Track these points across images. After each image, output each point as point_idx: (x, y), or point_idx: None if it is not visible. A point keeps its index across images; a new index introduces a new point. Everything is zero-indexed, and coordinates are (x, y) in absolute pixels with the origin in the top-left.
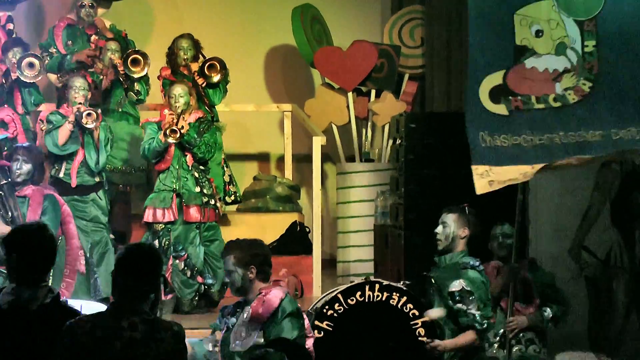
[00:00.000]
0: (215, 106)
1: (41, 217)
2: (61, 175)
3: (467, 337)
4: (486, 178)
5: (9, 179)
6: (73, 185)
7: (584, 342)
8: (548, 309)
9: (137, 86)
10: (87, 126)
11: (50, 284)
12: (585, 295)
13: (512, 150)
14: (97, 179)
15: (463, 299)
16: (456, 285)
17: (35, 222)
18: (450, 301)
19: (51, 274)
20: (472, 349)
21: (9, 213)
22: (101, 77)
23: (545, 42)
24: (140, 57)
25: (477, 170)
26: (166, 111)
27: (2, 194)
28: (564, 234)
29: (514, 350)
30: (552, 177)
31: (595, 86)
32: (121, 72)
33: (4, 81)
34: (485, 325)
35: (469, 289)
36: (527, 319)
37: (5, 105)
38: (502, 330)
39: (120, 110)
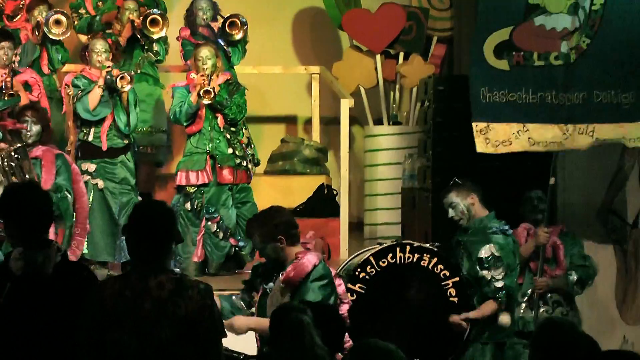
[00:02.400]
0: (234, 67)
1: (56, 177)
2: (90, 138)
3: (490, 306)
4: (485, 135)
5: (23, 142)
6: (104, 148)
7: (611, 307)
8: (574, 271)
9: (155, 46)
10: (124, 89)
11: (55, 242)
12: (613, 259)
13: (507, 107)
14: (125, 141)
15: (490, 265)
16: (486, 250)
17: (26, 181)
18: (477, 267)
19: (67, 234)
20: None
21: (27, 176)
22: (119, 38)
23: (558, 0)
24: (159, 18)
25: (477, 127)
26: (193, 75)
27: (18, 157)
28: (593, 198)
29: (541, 311)
30: None
31: (593, 43)
32: (138, 31)
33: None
34: (503, 298)
35: (498, 254)
36: (550, 280)
37: (29, 68)
38: (529, 291)
39: (139, 71)
